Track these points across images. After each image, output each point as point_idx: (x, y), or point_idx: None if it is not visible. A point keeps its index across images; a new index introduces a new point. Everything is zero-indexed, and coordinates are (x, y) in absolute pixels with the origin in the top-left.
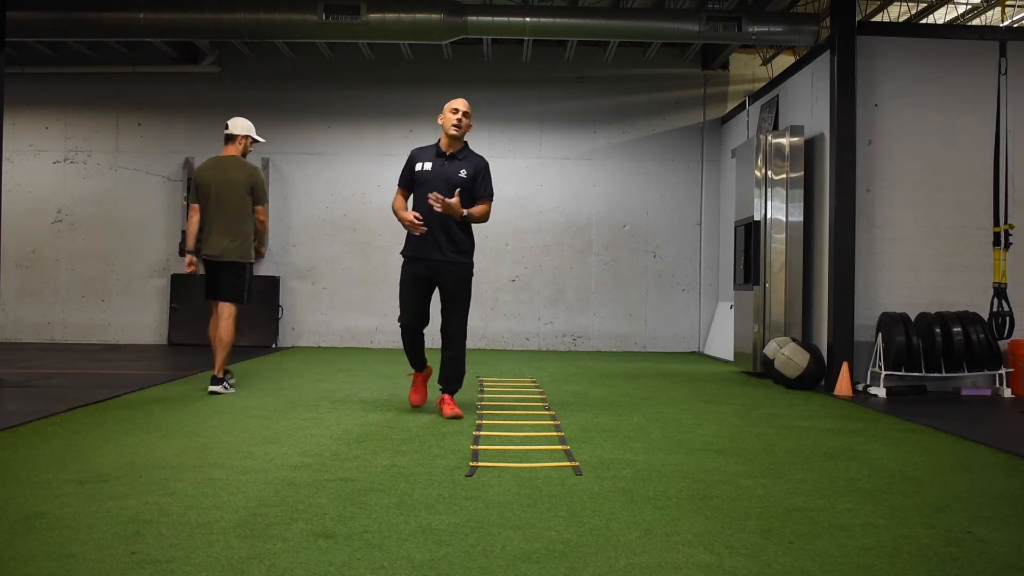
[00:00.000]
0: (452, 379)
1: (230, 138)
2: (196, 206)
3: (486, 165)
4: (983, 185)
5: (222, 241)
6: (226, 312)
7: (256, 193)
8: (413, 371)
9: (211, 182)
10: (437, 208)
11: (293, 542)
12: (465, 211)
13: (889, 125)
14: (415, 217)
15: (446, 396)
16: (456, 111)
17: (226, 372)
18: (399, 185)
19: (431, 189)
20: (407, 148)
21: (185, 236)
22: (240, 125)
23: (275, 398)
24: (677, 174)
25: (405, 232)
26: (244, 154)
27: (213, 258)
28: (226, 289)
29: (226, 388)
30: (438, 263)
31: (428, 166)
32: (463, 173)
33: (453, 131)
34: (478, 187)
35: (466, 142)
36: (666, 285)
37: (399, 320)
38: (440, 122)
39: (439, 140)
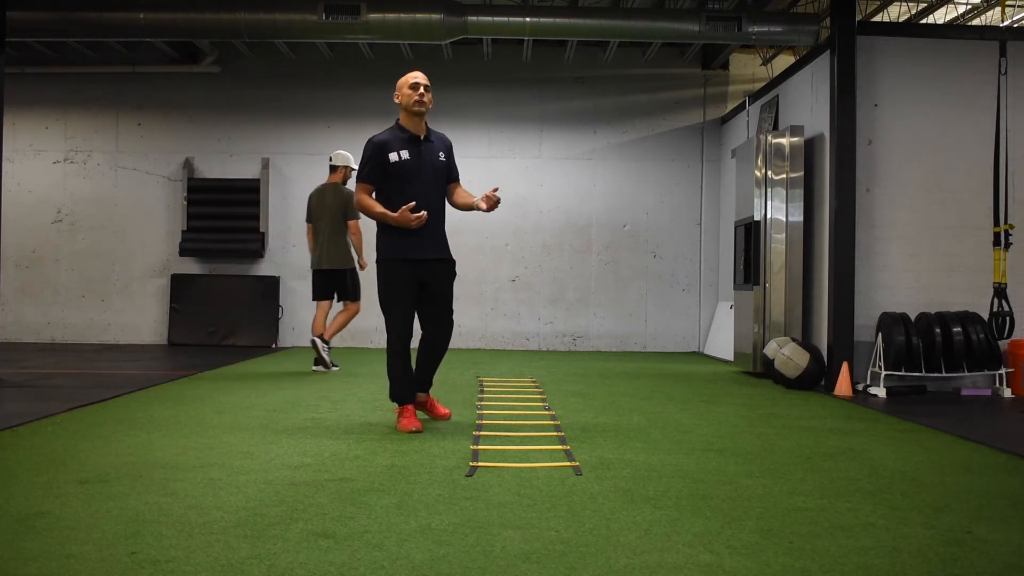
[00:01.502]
0: (432, 375)
1: (333, 168)
2: (310, 225)
3: (451, 142)
4: (983, 185)
5: (324, 255)
6: (350, 307)
7: (348, 212)
8: (400, 405)
9: (315, 207)
10: (493, 207)
11: (293, 542)
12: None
13: (889, 125)
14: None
15: (431, 398)
16: (417, 86)
17: (327, 350)
18: (366, 180)
19: (419, 180)
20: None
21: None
22: (341, 157)
23: (275, 398)
24: (677, 174)
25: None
26: (344, 180)
27: (319, 269)
28: (341, 293)
29: (324, 350)
30: (434, 263)
31: (406, 155)
32: (442, 156)
33: (417, 108)
34: (452, 168)
35: (425, 119)
36: (666, 285)
37: (393, 337)
38: (398, 100)
39: (397, 121)
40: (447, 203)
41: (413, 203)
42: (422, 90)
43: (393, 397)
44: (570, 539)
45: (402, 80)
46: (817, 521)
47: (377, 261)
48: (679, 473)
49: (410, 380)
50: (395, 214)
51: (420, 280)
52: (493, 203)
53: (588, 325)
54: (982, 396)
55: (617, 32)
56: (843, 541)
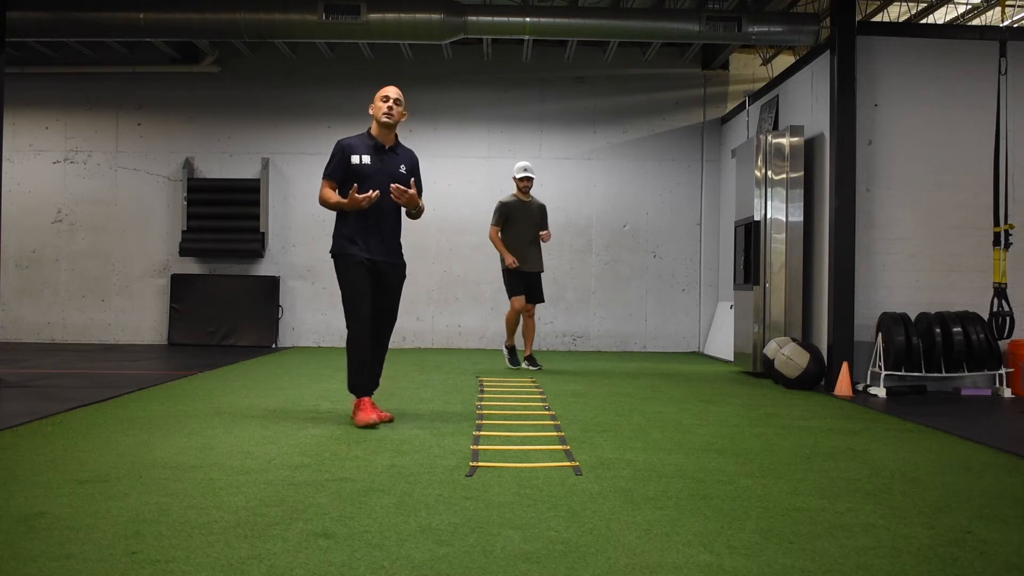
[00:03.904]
0: (377, 378)
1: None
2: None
3: (418, 159)
4: (983, 185)
5: (542, 260)
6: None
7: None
8: (357, 398)
9: (514, 215)
10: (400, 199)
11: (293, 542)
12: (420, 202)
13: (889, 125)
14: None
15: (369, 400)
16: (387, 99)
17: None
18: (329, 177)
19: (372, 184)
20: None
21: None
22: (515, 168)
23: (275, 398)
24: (677, 174)
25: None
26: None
27: (531, 271)
28: (541, 295)
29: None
30: (387, 264)
31: (366, 159)
32: (402, 168)
33: (385, 119)
34: (416, 183)
35: (396, 132)
36: (666, 285)
37: (355, 324)
38: (371, 111)
39: (369, 130)
40: (410, 217)
41: (356, 185)
42: (391, 103)
43: (352, 389)
44: (570, 539)
45: (377, 94)
46: (817, 521)
47: (333, 255)
48: (679, 473)
49: (371, 373)
50: (346, 200)
51: (374, 279)
52: (400, 195)
53: (588, 325)
54: (982, 396)
55: (617, 32)
56: (843, 541)
